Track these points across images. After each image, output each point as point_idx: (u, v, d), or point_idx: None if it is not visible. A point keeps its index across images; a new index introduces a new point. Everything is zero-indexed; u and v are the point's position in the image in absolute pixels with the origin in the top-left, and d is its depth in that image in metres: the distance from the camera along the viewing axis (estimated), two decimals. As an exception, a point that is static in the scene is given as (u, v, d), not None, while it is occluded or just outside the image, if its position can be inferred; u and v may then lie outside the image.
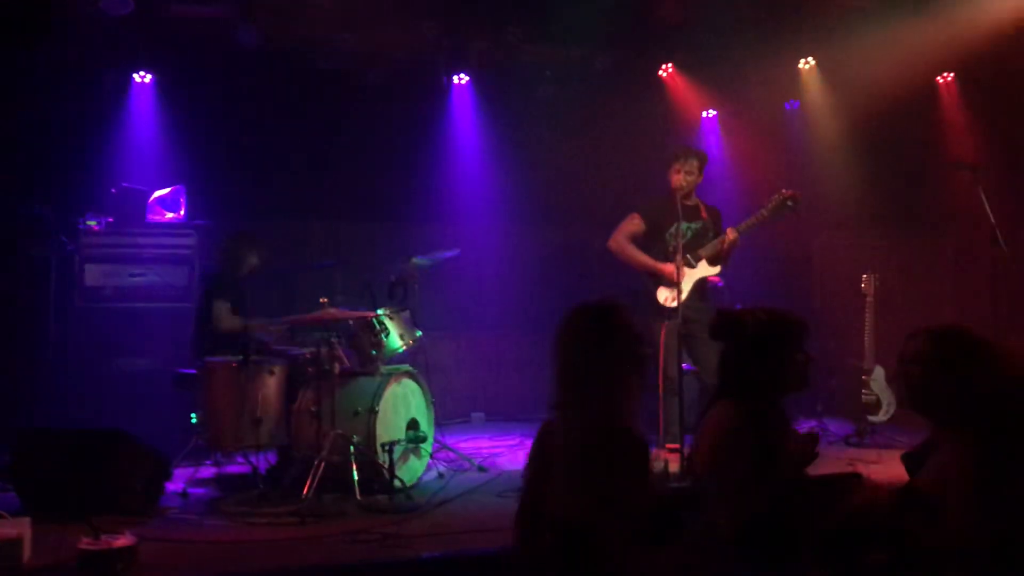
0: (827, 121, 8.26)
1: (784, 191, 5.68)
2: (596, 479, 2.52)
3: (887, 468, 5.66)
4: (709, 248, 5.76)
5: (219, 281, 6.07)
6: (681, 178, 5.77)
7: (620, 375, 2.64)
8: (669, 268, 5.68)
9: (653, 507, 2.55)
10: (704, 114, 8.94)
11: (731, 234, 5.70)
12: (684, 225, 5.74)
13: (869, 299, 6.85)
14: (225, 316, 5.95)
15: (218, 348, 5.72)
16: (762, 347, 2.82)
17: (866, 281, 6.90)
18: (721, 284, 7.03)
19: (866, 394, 6.77)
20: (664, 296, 5.76)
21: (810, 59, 8.13)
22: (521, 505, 2.76)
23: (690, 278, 5.71)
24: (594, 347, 2.63)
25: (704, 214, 5.86)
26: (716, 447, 2.75)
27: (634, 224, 5.98)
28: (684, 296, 5.62)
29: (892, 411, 6.73)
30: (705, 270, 5.76)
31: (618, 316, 2.69)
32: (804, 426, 7.50)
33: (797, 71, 8.25)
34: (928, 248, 7.97)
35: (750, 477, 2.62)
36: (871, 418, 6.75)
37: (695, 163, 5.84)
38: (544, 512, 2.60)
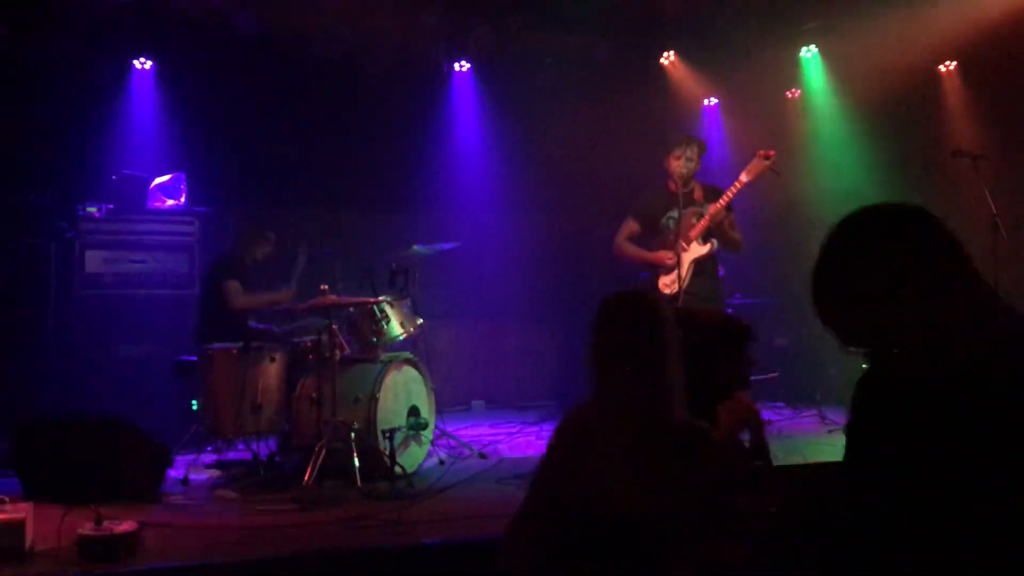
0: (828, 110, 8.26)
1: (759, 152, 5.65)
2: (661, 472, 2.42)
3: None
4: (697, 228, 5.73)
5: (227, 263, 6.09)
6: (681, 165, 5.74)
7: (670, 363, 2.57)
8: (659, 256, 5.74)
9: (721, 498, 2.47)
10: (705, 102, 8.92)
11: (712, 209, 5.67)
12: (676, 213, 5.74)
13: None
14: (236, 293, 5.97)
15: (220, 335, 5.72)
16: (704, 347, 2.90)
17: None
18: (722, 273, 7.02)
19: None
20: (663, 283, 5.77)
21: (812, 47, 8.12)
22: (535, 497, 2.65)
23: (684, 261, 5.70)
24: (644, 336, 2.56)
25: (699, 197, 5.83)
26: None
27: (629, 226, 6.00)
28: (684, 281, 5.62)
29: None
30: (697, 250, 5.72)
31: (659, 303, 2.65)
32: (803, 414, 7.54)
33: (799, 59, 8.24)
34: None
35: None
36: (870, 406, 6.75)
37: (695, 150, 5.82)
38: (577, 506, 2.49)
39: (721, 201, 5.63)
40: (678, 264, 5.62)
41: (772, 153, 5.57)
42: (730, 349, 3.00)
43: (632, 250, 5.96)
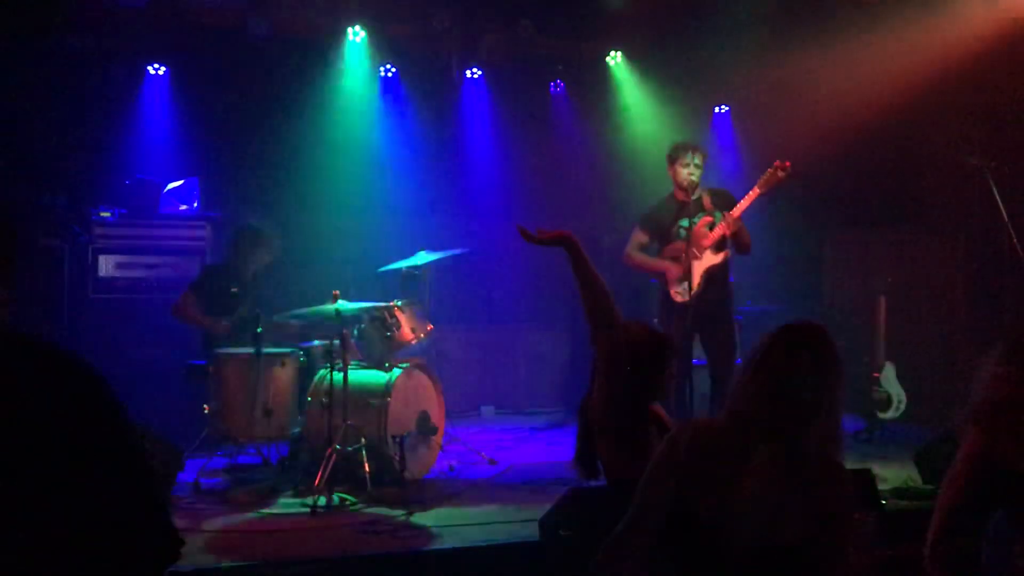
0: (839, 116, 8.23)
1: (776, 163, 5.64)
2: (815, 501, 2.37)
3: (897, 466, 5.66)
4: (710, 237, 5.73)
5: (212, 272, 6.14)
6: (688, 173, 5.75)
7: (840, 401, 2.46)
8: (667, 267, 5.76)
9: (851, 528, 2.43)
10: (716, 109, 8.92)
11: (727, 219, 5.66)
12: (686, 221, 5.74)
13: (881, 296, 6.84)
14: (182, 305, 6.02)
15: (231, 339, 5.75)
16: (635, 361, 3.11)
17: (878, 278, 6.88)
18: (732, 279, 7.01)
19: (877, 391, 6.76)
20: (674, 291, 5.78)
21: (822, 53, 8.09)
22: (650, 509, 2.45)
23: (697, 271, 5.69)
24: (829, 372, 2.45)
25: (708, 204, 5.82)
26: None
27: (638, 237, 6.01)
28: (695, 290, 5.63)
29: (902, 408, 6.72)
30: (710, 259, 5.71)
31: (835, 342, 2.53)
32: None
33: (809, 66, 8.22)
34: (940, 245, 7.95)
35: None
36: (881, 415, 6.75)
37: (700, 158, 5.83)
38: (730, 530, 2.35)
39: (735, 211, 5.63)
40: (689, 273, 5.62)
41: (788, 164, 5.56)
42: (657, 363, 3.14)
43: (642, 259, 5.97)
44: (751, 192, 5.60)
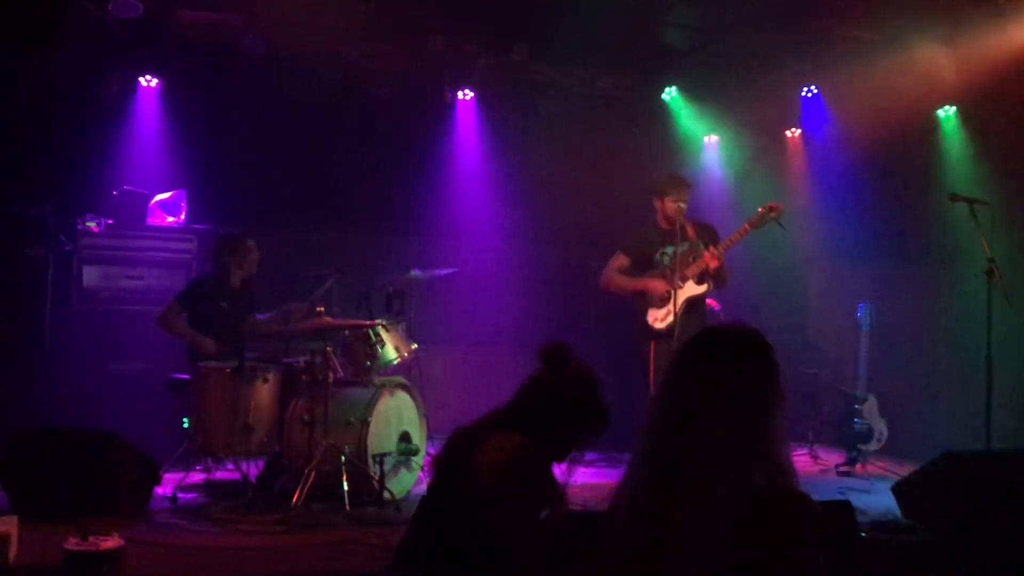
0: (827, 150, 8.30)
1: (769, 204, 5.70)
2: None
3: (878, 498, 5.67)
4: (694, 267, 5.76)
5: (198, 285, 6.14)
6: (676, 207, 5.80)
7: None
8: (653, 284, 5.77)
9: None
10: (706, 139, 8.98)
11: (713, 252, 5.69)
12: (670, 249, 5.78)
13: (864, 328, 6.87)
14: (167, 315, 6.01)
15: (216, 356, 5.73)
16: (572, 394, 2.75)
17: (862, 311, 6.91)
18: (718, 308, 7.03)
19: (858, 423, 6.77)
20: (652, 317, 5.79)
21: (813, 87, 8.17)
22: None
23: (679, 298, 5.70)
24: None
25: (692, 234, 5.86)
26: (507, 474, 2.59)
27: (619, 260, 6.05)
28: (673, 318, 5.65)
29: (884, 440, 6.74)
30: (692, 289, 5.73)
31: None
32: (795, 453, 7.53)
33: (799, 99, 8.30)
34: (924, 279, 7.99)
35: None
36: (862, 447, 6.76)
37: (687, 192, 5.91)
38: None
39: (723, 245, 5.67)
40: (672, 299, 5.65)
41: (780, 207, 5.62)
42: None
43: (623, 280, 5.99)
44: (742, 228, 5.65)
